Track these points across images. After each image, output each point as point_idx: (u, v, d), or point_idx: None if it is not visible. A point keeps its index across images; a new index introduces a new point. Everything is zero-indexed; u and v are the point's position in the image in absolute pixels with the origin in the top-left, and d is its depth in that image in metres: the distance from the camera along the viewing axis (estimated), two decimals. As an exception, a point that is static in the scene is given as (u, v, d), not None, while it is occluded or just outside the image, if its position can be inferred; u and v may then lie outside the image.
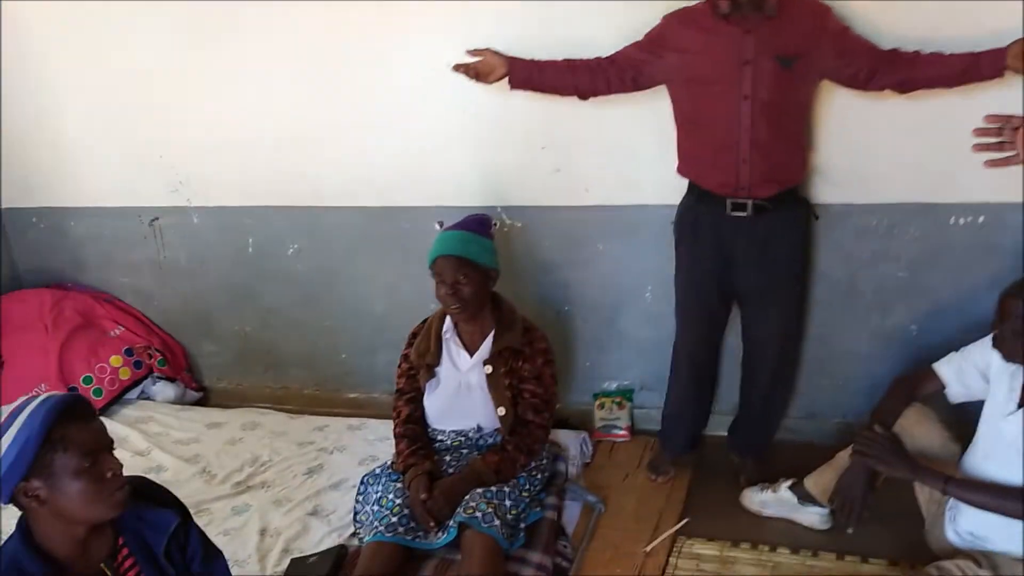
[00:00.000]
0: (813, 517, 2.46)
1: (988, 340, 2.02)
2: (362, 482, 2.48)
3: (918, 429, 2.15)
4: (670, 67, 2.42)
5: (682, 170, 2.54)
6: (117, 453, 1.53)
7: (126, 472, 1.53)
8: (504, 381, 2.44)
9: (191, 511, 1.73)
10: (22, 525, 1.51)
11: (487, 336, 2.49)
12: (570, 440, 2.83)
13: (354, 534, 2.45)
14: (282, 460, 2.95)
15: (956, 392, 2.15)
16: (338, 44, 2.95)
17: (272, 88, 3.08)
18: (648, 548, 2.43)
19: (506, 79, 2.55)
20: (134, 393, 3.46)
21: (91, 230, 3.59)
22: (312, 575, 2.28)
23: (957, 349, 2.16)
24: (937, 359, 2.19)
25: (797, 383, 2.84)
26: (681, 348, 2.69)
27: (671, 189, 2.60)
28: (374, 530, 2.25)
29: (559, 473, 2.65)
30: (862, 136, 2.56)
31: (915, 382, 2.21)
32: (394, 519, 2.25)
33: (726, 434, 2.84)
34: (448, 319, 2.52)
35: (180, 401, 3.53)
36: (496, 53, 2.55)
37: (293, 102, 3.08)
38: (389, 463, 2.50)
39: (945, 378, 2.15)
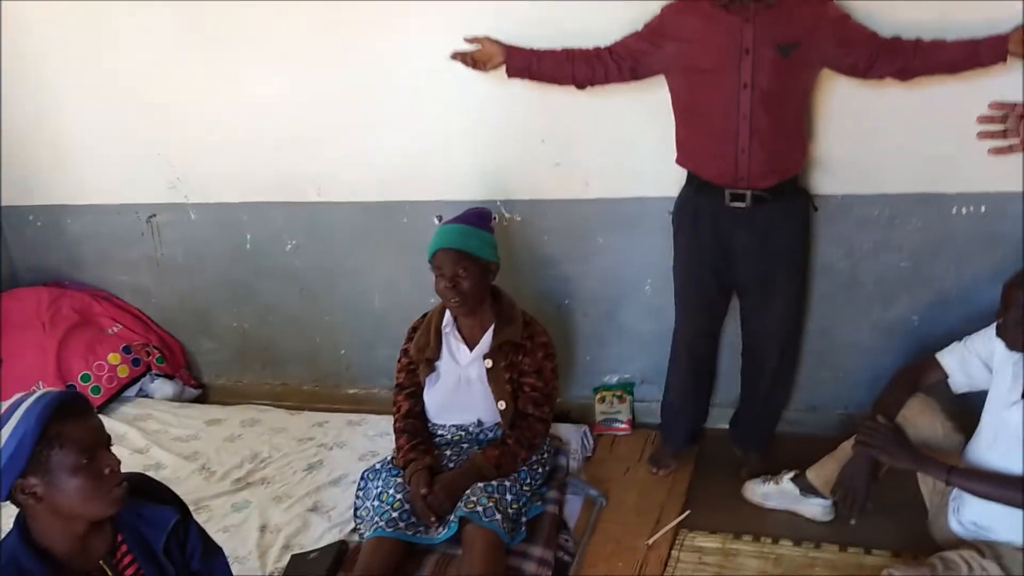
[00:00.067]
0: (816, 509, 2.46)
1: (991, 330, 2.02)
2: (362, 477, 2.47)
3: (921, 419, 2.15)
4: (669, 56, 2.40)
5: (681, 160, 2.53)
6: (116, 451, 1.52)
7: (125, 470, 1.52)
8: (504, 375, 2.43)
9: (190, 508, 1.72)
10: (20, 523, 1.50)
11: (487, 330, 2.48)
12: (571, 434, 2.83)
13: (354, 530, 2.44)
14: (282, 456, 2.94)
15: (959, 382, 2.14)
16: (338, 43, 2.93)
17: (270, 84, 3.06)
18: (650, 541, 2.43)
19: (503, 67, 2.54)
20: (132, 391, 3.45)
21: (88, 228, 3.57)
22: (312, 571, 2.27)
23: (960, 339, 2.16)
24: (939, 350, 2.18)
25: (798, 375, 2.83)
26: (680, 340, 2.68)
27: (671, 182, 2.60)
28: (375, 525, 2.24)
29: (560, 467, 2.64)
30: (863, 126, 2.54)
31: (918, 372, 2.21)
32: (395, 514, 2.24)
33: (727, 427, 2.83)
34: (448, 314, 2.51)
35: (179, 398, 3.52)
36: (494, 41, 2.55)
37: (292, 98, 3.05)
38: (389, 458, 2.49)
39: (948, 368, 2.15)
